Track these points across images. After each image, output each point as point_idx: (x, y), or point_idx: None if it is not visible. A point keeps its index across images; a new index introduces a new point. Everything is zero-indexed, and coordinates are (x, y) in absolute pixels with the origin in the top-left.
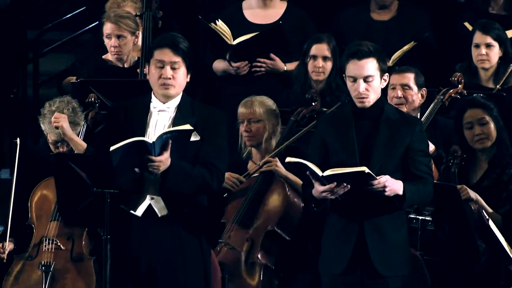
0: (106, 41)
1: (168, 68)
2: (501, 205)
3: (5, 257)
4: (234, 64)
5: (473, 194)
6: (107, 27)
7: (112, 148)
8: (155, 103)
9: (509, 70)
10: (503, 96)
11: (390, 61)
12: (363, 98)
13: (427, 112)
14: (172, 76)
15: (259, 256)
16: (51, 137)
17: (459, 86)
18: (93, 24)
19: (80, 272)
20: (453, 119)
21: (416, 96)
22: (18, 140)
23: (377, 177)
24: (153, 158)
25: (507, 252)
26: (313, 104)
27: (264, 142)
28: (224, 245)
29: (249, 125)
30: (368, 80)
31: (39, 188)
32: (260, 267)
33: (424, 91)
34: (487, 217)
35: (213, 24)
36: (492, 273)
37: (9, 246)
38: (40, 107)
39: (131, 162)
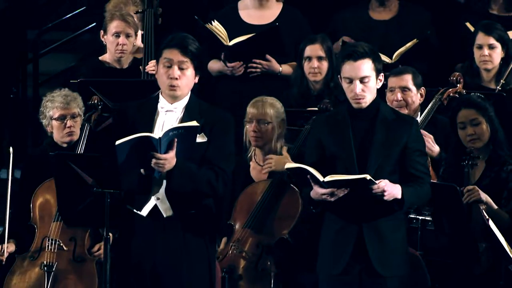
0: (111, 39)
1: (175, 68)
2: (504, 204)
3: (4, 259)
4: (229, 65)
5: (483, 196)
6: (115, 25)
7: (117, 142)
8: (162, 103)
9: (508, 69)
10: (503, 96)
11: (393, 58)
12: (360, 99)
13: (425, 111)
14: (179, 76)
15: (269, 262)
16: (55, 113)
17: (458, 85)
18: (93, 24)
19: (82, 273)
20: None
21: (416, 96)
22: (11, 149)
23: (377, 182)
24: (159, 155)
25: (507, 252)
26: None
27: (270, 143)
28: (235, 248)
29: (258, 126)
30: (364, 81)
31: (42, 189)
32: (271, 274)
33: (422, 90)
34: (487, 217)
35: (209, 24)
36: (492, 273)
37: (9, 248)
38: (40, 107)
39: (136, 159)
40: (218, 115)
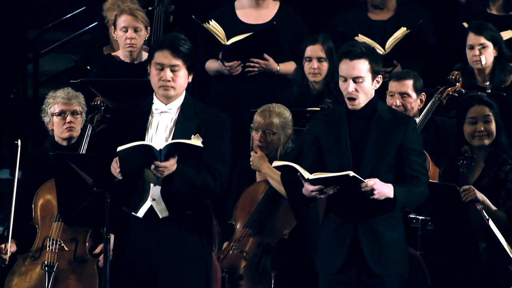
0: (120, 34)
1: (167, 70)
2: (502, 204)
3: (7, 259)
4: (227, 64)
5: (480, 195)
6: (123, 20)
7: (118, 149)
8: (157, 105)
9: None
10: (503, 96)
11: (386, 48)
12: (353, 99)
13: (425, 111)
14: (172, 79)
15: (269, 263)
16: (56, 108)
17: (457, 84)
18: (93, 24)
19: (83, 273)
20: (453, 118)
21: (415, 102)
22: (19, 142)
23: (365, 180)
24: (159, 163)
25: (507, 252)
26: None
27: (276, 151)
28: (235, 248)
29: (264, 135)
30: (358, 81)
31: (44, 189)
32: (271, 274)
33: (423, 95)
34: (487, 217)
35: (206, 24)
36: (492, 273)
37: (11, 247)
38: (40, 107)
39: (136, 164)
40: (214, 116)
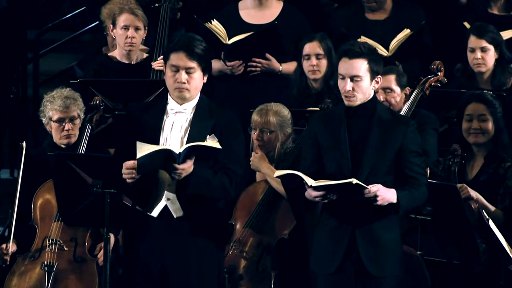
0: (120, 32)
1: (183, 72)
2: (500, 201)
3: (8, 259)
4: (228, 63)
5: (473, 193)
6: (124, 18)
7: (139, 155)
8: (172, 105)
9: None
10: (503, 96)
11: (389, 50)
12: (349, 97)
13: (408, 102)
14: (187, 81)
15: (269, 263)
16: (54, 115)
17: (439, 73)
18: (93, 24)
19: (83, 273)
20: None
21: (399, 97)
22: (24, 144)
23: (368, 186)
24: (177, 166)
25: (507, 252)
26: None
27: (274, 150)
28: (235, 248)
29: (261, 134)
30: (356, 80)
31: (43, 189)
32: (271, 274)
33: (407, 90)
34: (487, 217)
35: (208, 23)
36: (492, 273)
37: (12, 247)
38: (40, 107)
39: (153, 166)
40: (229, 117)
